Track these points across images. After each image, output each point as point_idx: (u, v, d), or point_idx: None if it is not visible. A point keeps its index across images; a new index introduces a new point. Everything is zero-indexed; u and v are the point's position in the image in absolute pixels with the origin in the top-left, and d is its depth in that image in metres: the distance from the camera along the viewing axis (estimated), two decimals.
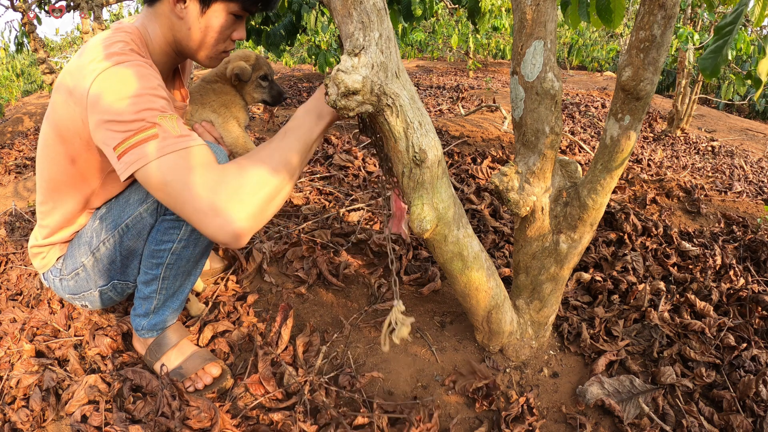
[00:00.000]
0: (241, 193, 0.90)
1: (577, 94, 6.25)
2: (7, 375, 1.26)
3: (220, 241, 0.91)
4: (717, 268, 1.86)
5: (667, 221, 2.34)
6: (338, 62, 0.97)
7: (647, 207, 2.47)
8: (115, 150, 0.90)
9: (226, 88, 1.30)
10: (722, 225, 2.34)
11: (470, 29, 7.89)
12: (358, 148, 2.98)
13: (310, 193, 2.33)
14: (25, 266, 1.76)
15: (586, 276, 1.72)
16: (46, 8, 3.54)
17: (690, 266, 1.87)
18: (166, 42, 1.09)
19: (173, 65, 1.17)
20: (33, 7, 3.63)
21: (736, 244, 2.07)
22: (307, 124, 1.03)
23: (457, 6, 3.78)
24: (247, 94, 1.33)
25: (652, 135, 4.60)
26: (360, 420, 1.14)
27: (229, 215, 0.89)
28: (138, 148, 0.88)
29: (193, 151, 0.91)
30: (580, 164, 2.85)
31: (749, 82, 3.36)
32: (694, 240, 2.10)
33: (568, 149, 3.41)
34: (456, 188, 2.47)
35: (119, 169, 0.91)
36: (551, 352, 1.42)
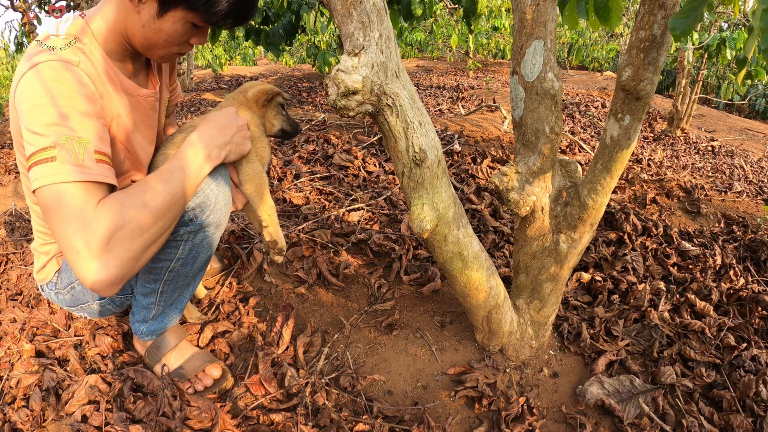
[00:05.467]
0: (118, 241, 0.85)
1: (577, 94, 6.25)
2: (7, 375, 1.26)
3: (90, 287, 0.86)
4: (717, 268, 1.86)
5: (667, 221, 2.34)
6: (338, 62, 0.97)
7: (647, 207, 2.47)
8: (27, 161, 0.87)
9: (248, 115, 1.23)
10: (722, 225, 2.34)
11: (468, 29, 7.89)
12: (358, 148, 2.98)
13: (310, 193, 2.33)
14: (25, 266, 1.76)
15: (586, 276, 1.72)
16: (46, 8, 3.54)
17: (690, 266, 1.87)
18: (118, 31, 1.01)
19: (134, 53, 1.07)
20: (33, 7, 3.63)
21: (736, 244, 2.07)
22: (195, 164, 0.98)
23: (456, 6, 3.78)
24: (268, 121, 1.28)
25: (652, 135, 4.60)
26: (361, 427, 1.14)
27: (101, 263, 0.83)
28: (39, 166, 0.84)
29: (83, 187, 0.85)
30: (580, 164, 2.85)
31: (749, 82, 3.36)
32: (694, 240, 2.10)
33: (568, 149, 3.41)
34: (456, 188, 2.47)
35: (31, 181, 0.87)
36: (551, 352, 1.42)
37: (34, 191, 0.86)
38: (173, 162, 0.97)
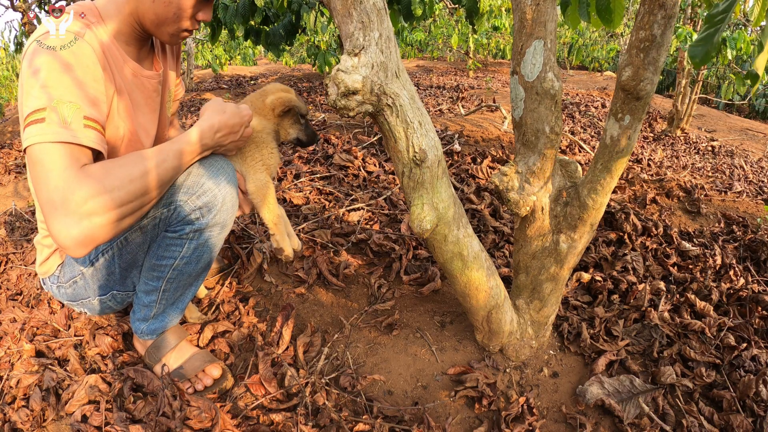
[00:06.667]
0: (95, 205, 0.87)
1: (577, 94, 6.25)
2: (7, 375, 1.26)
3: (60, 243, 0.87)
4: (717, 268, 1.86)
5: (667, 221, 2.34)
6: (338, 62, 0.97)
7: (647, 207, 2.47)
8: (23, 122, 0.91)
9: (262, 123, 1.23)
10: (722, 225, 2.34)
11: (470, 29, 7.90)
12: (358, 148, 2.98)
13: (310, 193, 2.33)
14: (25, 266, 1.76)
15: (586, 276, 1.72)
16: (46, 8, 3.54)
17: (690, 266, 1.87)
18: (128, 12, 1.05)
19: (142, 36, 1.11)
20: (33, 7, 3.63)
21: (736, 244, 2.07)
22: (193, 151, 1.03)
23: (457, 6, 3.78)
24: (283, 129, 1.27)
25: (652, 135, 4.60)
26: (361, 427, 1.14)
27: (73, 220, 0.85)
28: (30, 127, 0.88)
29: (68, 148, 0.88)
30: (580, 164, 2.85)
31: (749, 82, 3.35)
32: (694, 240, 2.09)
33: (568, 149, 3.41)
34: (456, 188, 2.47)
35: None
36: (551, 351, 1.42)
37: (24, 151, 0.90)
38: (183, 144, 1.02)
